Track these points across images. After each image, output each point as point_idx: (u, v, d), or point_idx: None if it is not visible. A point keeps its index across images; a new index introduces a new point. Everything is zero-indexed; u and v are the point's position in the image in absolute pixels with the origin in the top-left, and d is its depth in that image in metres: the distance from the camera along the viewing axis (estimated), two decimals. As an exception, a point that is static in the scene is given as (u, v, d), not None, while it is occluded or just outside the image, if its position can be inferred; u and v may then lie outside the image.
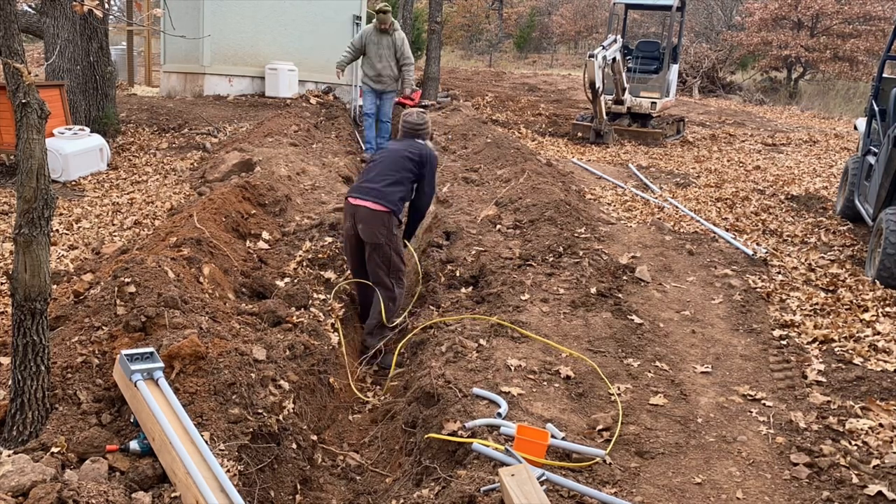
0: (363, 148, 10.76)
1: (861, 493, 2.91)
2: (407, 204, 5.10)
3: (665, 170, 10.36)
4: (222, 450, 3.03)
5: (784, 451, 3.28)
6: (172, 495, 2.77)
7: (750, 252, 6.16)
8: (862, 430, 3.38)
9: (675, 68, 13.79)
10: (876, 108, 7.16)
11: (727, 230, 6.95)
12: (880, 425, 3.43)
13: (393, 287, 4.89)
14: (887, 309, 4.93)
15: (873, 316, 4.81)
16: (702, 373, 4.09)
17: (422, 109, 5.22)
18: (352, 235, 4.92)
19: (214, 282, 4.64)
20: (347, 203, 4.93)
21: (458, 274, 5.40)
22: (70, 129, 8.52)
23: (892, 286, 5.33)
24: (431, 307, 4.95)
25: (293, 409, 3.58)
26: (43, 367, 3.06)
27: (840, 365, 4.10)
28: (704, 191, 8.93)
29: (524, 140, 12.12)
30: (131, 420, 3.11)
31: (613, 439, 3.27)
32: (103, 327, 3.61)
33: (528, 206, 6.70)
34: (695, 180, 9.65)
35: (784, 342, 4.49)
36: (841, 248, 6.56)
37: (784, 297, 5.25)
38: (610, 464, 3.08)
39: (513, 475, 2.69)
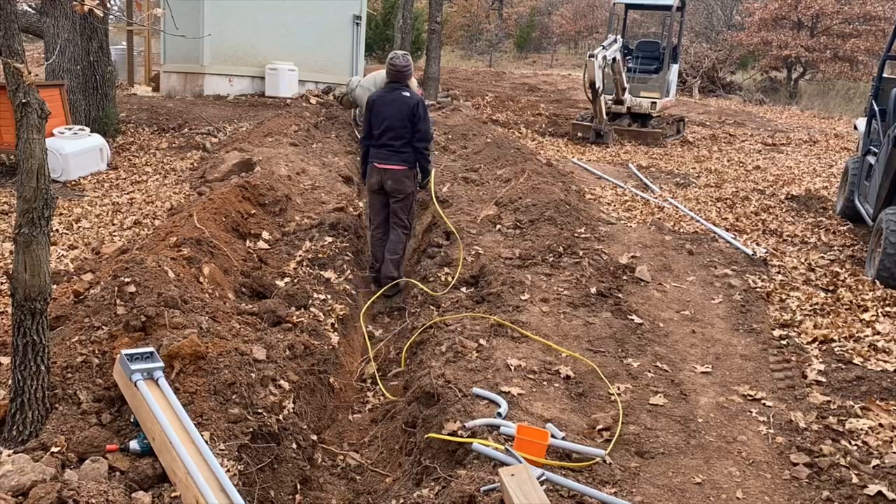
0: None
1: (861, 493, 2.91)
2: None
3: (665, 170, 10.36)
4: (222, 449, 3.03)
5: (784, 450, 3.28)
6: (172, 495, 2.77)
7: (749, 252, 6.16)
8: (862, 430, 3.38)
9: (675, 68, 13.79)
10: (876, 108, 7.16)
11: (727, 230, 6.95)
12: (880, 425, 3.43)
13: (409, 228, 6.03)
14: (887, 309, 4.93)
15: (873, 316, 4.81)
16: (702, 373, 4.09)
17: (403, 52, 5.82)
18: (377, 191, 5.87)
19: (214, 282, 4.64)
20: (374, 167, 5.79)
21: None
22: (70, 129, 8.53)
23: (892, 286, 5.33)
24: (431, 307, 4.95)
25: (293, 408, 3.58)
26: (43, 367, 3.06)
27: (840, 365, 4.10)
28: (704, 191, 8.93)
29: (524, 140, 12.12)
30: (131, 420, 3.12)
31: (614, 439, 3.27)
32: (103, 327, 3.61)
33: (528, 206, 6.70)
34: (695, 180, 9.65)
35: (784, 342, 4.49)
36: (841, 248, 6.56)
37: (784, 296, 5.25)
38: (610, 464, 3.08)
39: (513, 475, 2.69)
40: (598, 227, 6.66)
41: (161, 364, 3.19)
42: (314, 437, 3.70)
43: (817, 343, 4.43)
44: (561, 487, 2.82)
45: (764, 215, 7.69)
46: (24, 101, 2.90)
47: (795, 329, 4.68)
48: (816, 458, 3.17)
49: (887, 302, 5.06)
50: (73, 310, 3.91)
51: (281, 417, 3.42)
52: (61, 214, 6.93)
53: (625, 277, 5.39)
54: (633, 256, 5.88)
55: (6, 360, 3.51)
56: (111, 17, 11.28)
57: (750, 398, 3.79)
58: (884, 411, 3.55)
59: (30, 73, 2.91)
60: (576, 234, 5.96)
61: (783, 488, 2.99)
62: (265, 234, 6.01)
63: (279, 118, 11.00)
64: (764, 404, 3.73)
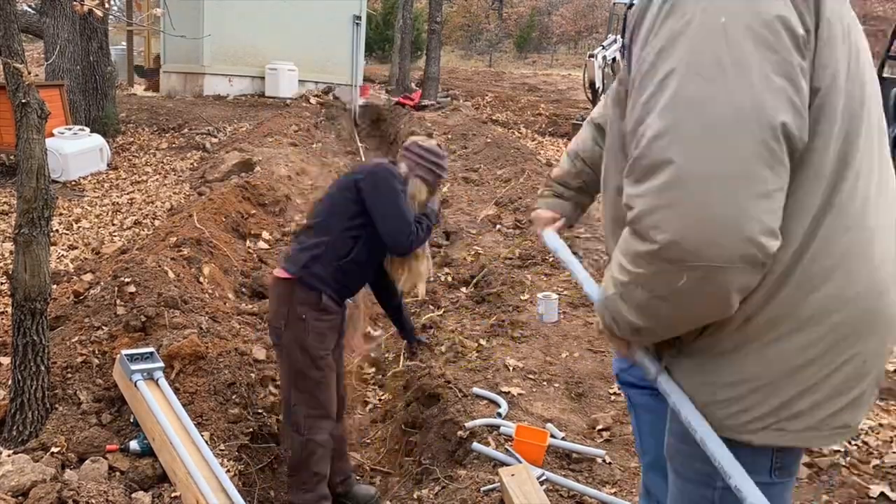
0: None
1: (861, 493, 2.91)
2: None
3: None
4: (222, 450, 3.04)
5: (784, 451, 3.28)
6: (172, 495, 2.77)
7: None
8: (862, 429, 3.38)
9: (675, 68, 13.78)
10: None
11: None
12: (880, 425, 3.43)
13: (301, 423, 2.84)
14: (887, 309, 4.93)
15: (873, 316, 4.81)
16: (702, 373, 4.08)
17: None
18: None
19: (214, 282, 4.64)
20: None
21: (458, 274, 5.40)
22: (70, 129, 8.53)
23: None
24: (431, 307, 4.95)
25: (293, 409, 3.58)
26: (43, 367, 3.06)
27: (840, 365, 4.09)
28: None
29: (524, 140, 12.13)
30: (131, 420, 3.12)
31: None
32: (103, 327, 3.61)
33: (527, 205, 6.71)
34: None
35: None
36: (841, 248, 6.56)
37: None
38: (610, 464, 3.08)
39: (513, 475, 2.69)
40: (597, 226, 6.66)
41: (161, 364, 3.19)
42: (314, 438, 3.70)
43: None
44: (561, 487, 2.82)
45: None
46: (23, 101, 2.90)
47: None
48: (816, 458, 3.17)
49: (887, 302, 5.06)
50: (73, 310, 3.91)
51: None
52: (61, 214, 6.93)
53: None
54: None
55: (6, 361, 3.51)
56: (111, 17, 11.28)
57: (750, 398, 3.79)
58: (884, 411, 3.55)
59: (30, 73, 2.91)
60: (576, 235, 5.96)
61: (783, 488, 2.99)
62: (265, 235, 6.01)
63: (279, 118, 11.01)
64: (764, 404, 3.73)
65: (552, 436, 3.15)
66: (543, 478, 2.80)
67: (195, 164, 9.03)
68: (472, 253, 5.67)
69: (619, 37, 12.71)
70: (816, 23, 1.16)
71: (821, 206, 1.21)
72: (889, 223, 1.30)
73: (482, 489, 2.74)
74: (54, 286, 3.83)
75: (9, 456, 2.74)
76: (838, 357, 1.25)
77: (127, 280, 3.90)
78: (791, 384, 1.26)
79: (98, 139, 8.78)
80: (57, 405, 3.15)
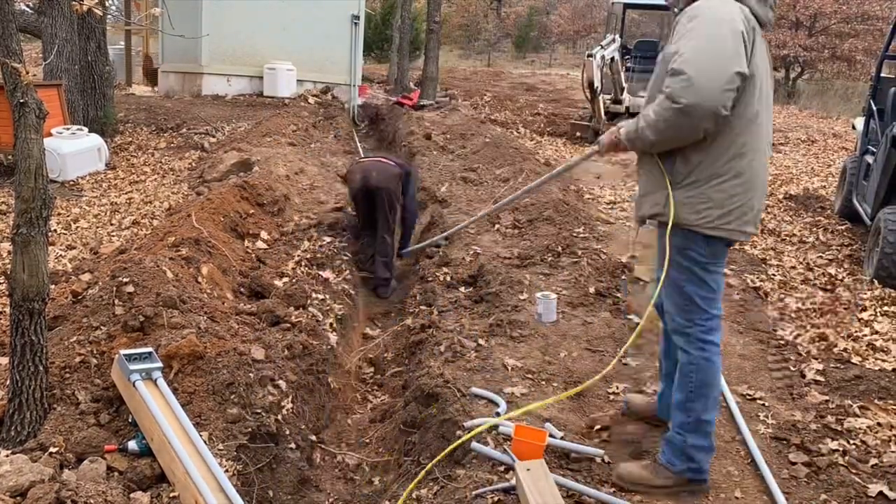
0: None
1: (860, 492, 2.91)
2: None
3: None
4: (221, 450, 3.03)
5: (782, 450, 3.28)
6: (171, 495, 2.77)
7: None
8: (860, 429, 3.39)
9: (673, 68, 13.77)
10: (874, 108, 7.16)
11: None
12: (878, 424, 3.44)
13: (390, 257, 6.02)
14: (885, 308, 4.94)
15: (871, 315, 4.82)
16: (700, 372, 4.08)
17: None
18: (362, 188, 5.92)
19: (213, 282, 4.63)
20: (358, 165, 6.23)
21: (456, 273, 5.39)
22: (68, 129, 8.52)
23: (890, 285, 5.33)
24: (429, 306, 4.94)
25: (292, 408, 3.58)
26: (41, 367, 3.05)
27: (838, 364, 4.10)
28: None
29: (522, 140, 12.13)
30: (129, 420, 3.11)
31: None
32: (102, 327, 3.61)
33: (526, 205, 6.70)
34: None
35: (782, 341, 4.49)
36: (839, 248, 6.56)
37: (782, 296, 5.25)
38: (609, 463, 3.08)
39: (528, 469, 2.69)
40: (596, 226, 6.66)
41: (159, 364, 3.19)
42: (313, 438, 3.70)
43: (815, 342, 4.43)
44: (560, 487, 2.82)
45: (762, 214, 7.69)
46: (21, 101, 2.90)
47: (794, 328, 4.68)
48: (815, 457, 3.17)
49: (885, 301, 5.06)
50: (71, 310, 3.90)
51: (279, 417, 3.42)
52: (59, 214, 6.93)
53: (623, 277, 5.38)
54: (631, 256, 5.89)
55: (4, 361, 3.50)
56: (109, 16, 11.27)
57: (749, 398, 3.79)
58: (882, 410, 3.56)
59: (27, 72, 2.91)
60: (574, 234, 5.96)
61: (782, 487, 2.99)
62: (264, 234, 6.00)
63: (277, 118, 11.01)
64: (762, 404, 3.73)
65: (551, 435, 3.15)
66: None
67: (193, 164, 9.02)
68: (471, 253, 5.67)
69: (617, 36, 12.71)
70: (753, 41, 2.59)
71: (744, 123, 2.65)
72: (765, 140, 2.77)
73: (473, 493, 2.74)
74: (52, 286, 3.83)
75: (7, 456, 2.74)
76: (744, 197, 2.71)
77: (125, 280, 3.89)
78: (723, 206, 2.69)
79: (96, 139, 8.77)
80: (55, 405, 3.15)
